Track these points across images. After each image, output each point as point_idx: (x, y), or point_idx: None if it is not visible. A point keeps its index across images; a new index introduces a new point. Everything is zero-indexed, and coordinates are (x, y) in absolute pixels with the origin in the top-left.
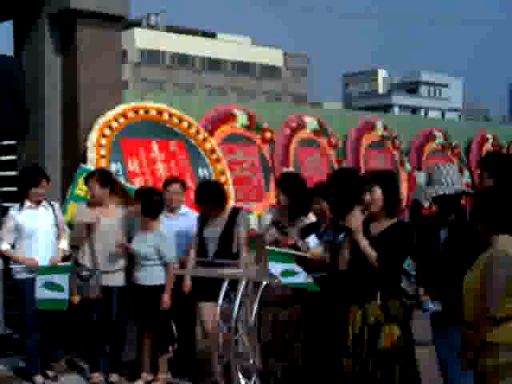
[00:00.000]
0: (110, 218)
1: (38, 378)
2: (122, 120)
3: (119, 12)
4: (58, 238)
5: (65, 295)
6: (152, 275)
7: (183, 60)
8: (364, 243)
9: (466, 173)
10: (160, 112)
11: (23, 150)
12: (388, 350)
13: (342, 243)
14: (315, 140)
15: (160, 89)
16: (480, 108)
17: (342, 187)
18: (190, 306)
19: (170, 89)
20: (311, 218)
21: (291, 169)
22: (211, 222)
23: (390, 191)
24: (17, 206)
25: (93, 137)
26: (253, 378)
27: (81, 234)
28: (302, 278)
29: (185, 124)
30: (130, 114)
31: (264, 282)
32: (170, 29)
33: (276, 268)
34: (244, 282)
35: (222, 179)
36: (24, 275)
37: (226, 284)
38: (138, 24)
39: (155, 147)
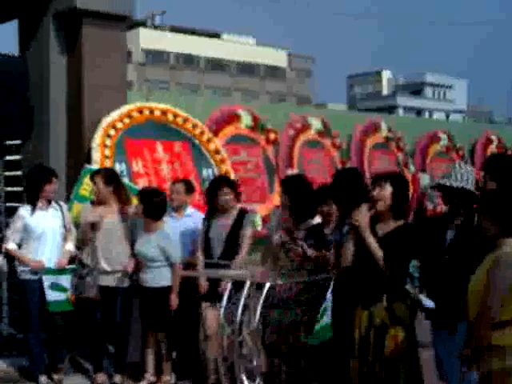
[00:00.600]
0: (113, 217)
1: (43, 379)
2: (126, 120)
3: (124, 12)
4: (65, 239)
5: (68, 295)
6: (158, 277)
7: (188, 60)
8: (371, 240)
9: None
10: (164, 112)
11: (28, 149)
12: (393, 353)
13: (346, 237)
14: (319, 141)
15: (164, 89)
16: (484, 110)
17: (348, 184)
18: (193, 308)
19: (175, 89)
20: (316, 219)
21: (295, 170)
22: (218, 223)
23: (400, 192)
24: (27, 206)
25: (97, 137)
26: (257, 380)
27: (85, 234)
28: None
29: (189, 125)
30: (135, 115)
31: (268, 284)
32: (174, 29)
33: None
34: (248, 284)
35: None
36: (29, 276)
37: (229, 285)
38: (142, 24)
39: (159, 148)
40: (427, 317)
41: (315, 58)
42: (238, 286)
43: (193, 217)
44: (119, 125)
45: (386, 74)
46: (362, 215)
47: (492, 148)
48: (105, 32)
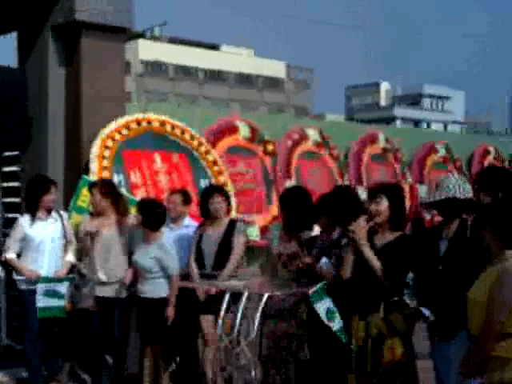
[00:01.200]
0: (111, 229)
1: None
2: (124, 132)
3: (123, 24)
4: (65, 249)
5: (64, 302)
6: (156, 288)
7: (186, 71)
8: (368, 252)
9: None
10: (163, 124)
11: (26, 160)
12: (390, 363)
13: (344, 249)
14: (317, 152)
15: (163, 100)
16: (482, 121)
17: (345, 198)
18: (191, 319)
19: (173, 100)
20: (316, 230)
21: (293, 181)
22: (209, 234)
23: (397, 204)
24: (27, 216)
25: (95, 148)
26: None
27: (84, 244)
28: (337, 323)
29: (187, 136)
30: (133, 126)
31: (266, 295)
32: (173, 40)
33: (321, 307)
34: (246, 294)
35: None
36: (27, 286)
37: (227, 296)
38: (141, 36)
39: (157, 159)
40: (429, 327)
41: (313, 70)
42: (235, 296)
43: (190, 228)
44: (117, 136)
45: (384, 86)
46: (360, 227)
47: (489, 159)
48: (103, 44)
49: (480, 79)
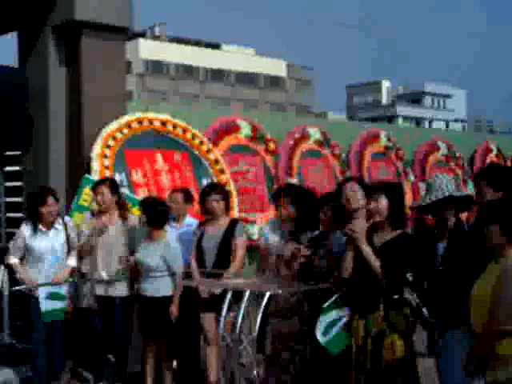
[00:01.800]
0: (114, 227)
1: None
2: (126, 131)
3: (124, 23)
4: (68, 255)
5: (66, 304)
6: (160, 287)
7: (187, 71)
8: (367, 251)
9: (470, 183)
10: (164, 123)
11: (28, 160)
12: (390, 362)
13: (343, 249)
14: (318, 151)
15: (164, 99)
16: (484, 119)
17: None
18: (193, 317)
19: (175, 99)
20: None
21: (294, 180)
22: (210, 233)
23: (396, 202)
24: (29, 227)
25: (97, 147)
26: None
27: (88, 243)
28: (331, 334)
29: (189, 135)
30: (134, 125)
31: (268, 293)
32: (174, 39)
33: (323, 321)
34: (248, 293)
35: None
36: (29, 290)
37: (229, 295)
38: (142, 35)
39: (159, 158)
40: (426, 328)
41: (314, 68)
42: (237, 295)
43: (191, 227)
44: (119, 135)
45: (385, 84)
46: (359, 226)
47: (491, 157)
48: (104, 43)
49: (482, 77)
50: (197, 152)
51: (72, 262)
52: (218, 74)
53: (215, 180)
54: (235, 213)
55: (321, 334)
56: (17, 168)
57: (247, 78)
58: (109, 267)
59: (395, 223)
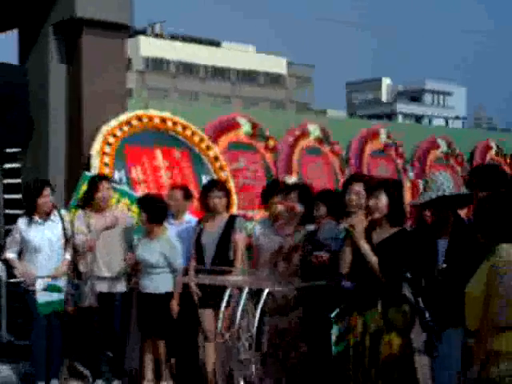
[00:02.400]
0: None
1: None
2: (125, 128)
3: (124, 20)
4: (65, 248)
5: (63, 296)
6: (160, 283)
7: (188, 68)
8: (365, 247)
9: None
10: (164, 120)
11: (27, 157)
12: (388, 358)
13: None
14: (318, 148)
15: (164, 97)
16: (484, 116)
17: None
18: (192, 314)
19: (175, 97)
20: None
21: (294, 177)
22: (209, 229)
23: (396, 200)
24: (25, 219)
25: (97, 145)
26: None
27: (91, 240)
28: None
29: (188, 132)
30: (134, 122)
31: (266, 290)
32: (174, 37)
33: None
34: (247, 290)
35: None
36: (26, 284)
37: (228, 292)
38: (142, 32)
39: (159, 155)
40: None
41: (315, 66)
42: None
43: (191, 223)
44: (119, 132)
45: (386, 81)
46: (358, 222)
47: (491, 154)
48: (105, 41)
49: (482, 75)
50: (197, 149)
51: (69, 256)
52: (218, 72)
53: (215, 177)
54: (235, 210)
55: (333, 343)
56: (16, 165)
57: (247, 76)
58: (110, 265)
59: (394, 220)
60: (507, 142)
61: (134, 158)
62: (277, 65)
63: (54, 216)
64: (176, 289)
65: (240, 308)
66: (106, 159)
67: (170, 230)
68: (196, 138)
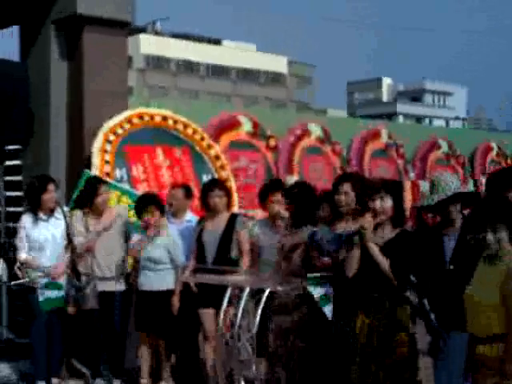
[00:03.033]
0: (113, 223)
1: None
2: (126, 126)
3: (125, 18)
4: (66, 247)
5: (63, 293)
6: (162, 280)
7: (188, 66)
8: (375, 249)
9: (471, 181)
10: (165, 118)
11: (28, 155)
12: (395, 359)
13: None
14: (319, 147)
15: (165, 95)
16: (485, 117)
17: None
18: (192, 313)
19: (175, 95)
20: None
21: (295, 177)
22: (210, 228)
23: (399, 201)
24: (29, 217)
25: (97, 142)
26: None
27: (91, 241)
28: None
29: (189, 130)
30: (135, 120)
31: (268, 289)
32: (175, 35)
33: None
34: (248, 289)
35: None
36: (28, 283)
37: (229, 291)
38: (143, 30)
39: (160, 153)
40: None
41: (315, 65)
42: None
43: (191, 222)
44: (119, 130)
45: (386, 81)
46: (368, 224)
47: (492, 155)
48: (106, 38)
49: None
50: (198, 148)
51: (69, 254)
52: (218, 70)
53: (216, 176)
54: (235, 209)
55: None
56: (17, 162)
57: (248, 74)
58: (109, 264)
59: (396, 221)
60: (509, 143)
61: (134, 156)
62: (278, 64)
63: (58, 213)
64: (177, 286)
65: (240, 308)
66: (107, 157)
67: (171, 229)
68: (197, 137)
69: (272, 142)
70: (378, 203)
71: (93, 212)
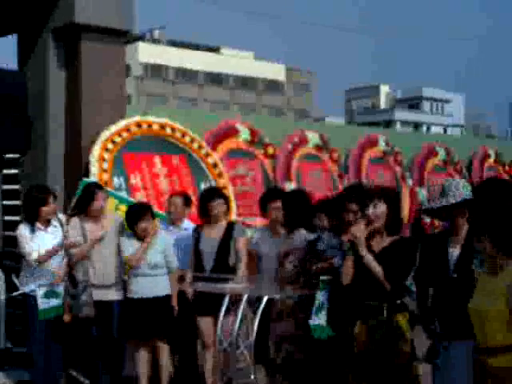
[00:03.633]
0: (109, 231)
1: None
2: (124, 134)
3: (124, 26)
4: (63, 255)
5: (61, 300)
6: (158, 285)
7: (186, 74)
8: (369, 257)
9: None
10: (163, 126)
11: (26, 163)
12: (395, 366)
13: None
14: (317, 155)
15: (163, 103)
16: (482, 124)
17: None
18: (190, 320)
19: (173, 103)
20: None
21: (293, 184)
22: (207, 236)
23: (394, 209)
24: (27, 227)
25: (95, 151)
26: None
27: (91, 247)
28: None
29: (187, 138)
30: (133, 129)
31: (266, 297)
32: (173, 43)
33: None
34: (245, 297)
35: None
36: (27, 291)
37: (227, 299)
38: (141, 38)
39: (158, 161)
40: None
41: (313, 72)
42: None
43: (189, 230)
44: (117, 139)
45: (384, 88)
46: (360, 232)
47: (490, 162)
48: (104, 47)
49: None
50: (195, 156)
51: (65, 260)
52: (216, 78)
53: (214, 184)
54: (233, 217)
55: (314, 314)
56: (15, 171)
57: (246, 82)
58: (106, 273)
59: (392, 229)
60: (506, 149)
61: (132, 165)
62: (275, 71)
63: (55, 221)
64: (175, 290)
65: (239, 316)
66: (105, 165)
67: (168, 236)
68: (195, 145)
69: (270, 150)
70: (371, 210)
71: (89, 217)
